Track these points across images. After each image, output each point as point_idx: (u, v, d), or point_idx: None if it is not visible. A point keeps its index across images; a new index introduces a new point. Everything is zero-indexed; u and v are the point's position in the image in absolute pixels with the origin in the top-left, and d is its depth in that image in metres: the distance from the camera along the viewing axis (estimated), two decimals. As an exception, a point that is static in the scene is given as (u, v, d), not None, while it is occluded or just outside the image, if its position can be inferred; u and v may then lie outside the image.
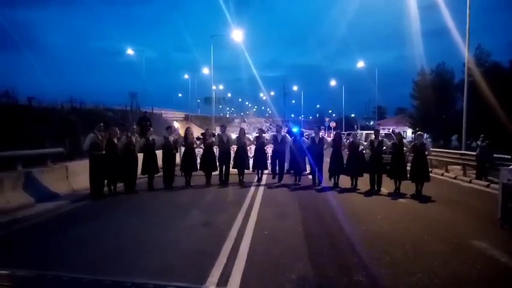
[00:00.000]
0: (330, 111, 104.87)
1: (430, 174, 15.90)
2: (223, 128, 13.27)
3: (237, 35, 34.09)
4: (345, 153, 12.14)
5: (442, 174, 15.61)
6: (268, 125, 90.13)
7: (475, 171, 14.30)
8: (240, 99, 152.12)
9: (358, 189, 11.28)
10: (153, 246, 5.85)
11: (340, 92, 64.31)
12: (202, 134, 13.55)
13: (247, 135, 13.67)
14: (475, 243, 6.04)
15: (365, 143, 12.57)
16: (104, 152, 9.86)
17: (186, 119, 64.39)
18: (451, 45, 22.02)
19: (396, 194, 10.61)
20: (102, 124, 10.26)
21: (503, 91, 24.13)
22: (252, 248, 5.63)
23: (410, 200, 9.82)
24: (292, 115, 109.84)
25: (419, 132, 12.60)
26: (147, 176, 11.20)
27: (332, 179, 11.87)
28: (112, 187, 10.34)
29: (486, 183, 12.68)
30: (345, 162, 11.84)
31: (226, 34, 37.97)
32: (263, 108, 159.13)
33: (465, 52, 18.10)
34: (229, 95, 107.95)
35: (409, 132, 47.23)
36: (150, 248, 5.74)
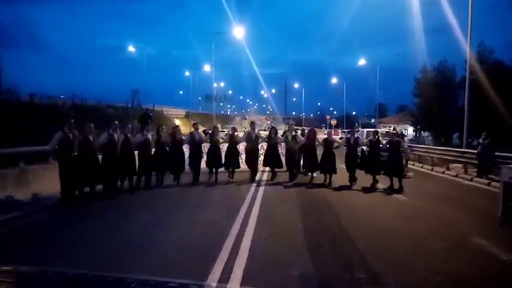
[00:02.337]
0: (331, 108, 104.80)
1: (431, 172, 16.10)
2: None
3: (238, 32, 34.14)
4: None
5: (443, 172, 15.62)
6: (269, 122, 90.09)
7: (476, 170, 14.30)
8: (241, 97, 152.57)
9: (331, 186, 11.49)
10: (154, 243, 5.88)
11: (342, 90, 64.35)
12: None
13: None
14: (476, 241, 6.06)
15: (340, 140, 12.99)
16: (75, 152, 8.73)
17: (187, 116, 64.44)
18: (453, 42, 22.00)
19: (392, 190, 10.76)
20: (72, 120, 9.01)
21: (506, 89, 24.06)
22: (254, 244, 5.66)
23: (410, 198, 9.83)
24: (293, 112, 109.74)
25: (393, 131, 13.37)
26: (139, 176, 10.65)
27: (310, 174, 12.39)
28: (88, 189, 9.28)
29: (487, 181, 12.68)
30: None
31: (227, 31, 38.08)
32: (264, 105, 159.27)
33: (467, 49, 18.07)
34: (230, 92, 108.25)
35: (410, 130, 47.18)
36: (151, 246, 5.76)
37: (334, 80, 68.35)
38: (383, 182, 11.42)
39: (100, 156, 9.54)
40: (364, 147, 12.15)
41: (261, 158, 13.22)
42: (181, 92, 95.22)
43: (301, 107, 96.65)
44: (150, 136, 10.79)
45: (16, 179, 8.83)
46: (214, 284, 3.94)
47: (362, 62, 46.93)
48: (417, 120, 41.11)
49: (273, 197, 9.82)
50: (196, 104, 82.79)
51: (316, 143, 12.32)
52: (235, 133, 12.92)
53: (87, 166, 8.88)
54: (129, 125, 11.01)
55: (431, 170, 16.67)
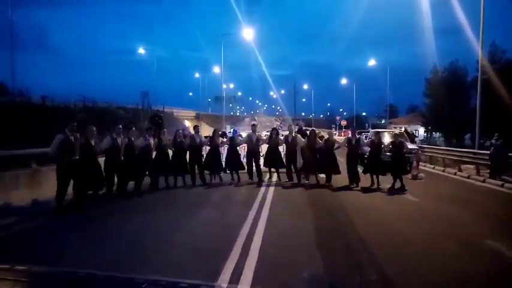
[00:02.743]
0: (341, 109, 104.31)
1: (443, 173, 15.92)
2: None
3: (248, 33, 34.19)
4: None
5: (455, 174, 15.44)
6: (278, 123, 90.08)
7: (488, 171, 14.11)
8: (250, 98, 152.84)
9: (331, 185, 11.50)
10: (165, 244, 5.90)
11: (351, 90, 63.99)
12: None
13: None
14: (488, 243, 5.97)
15: (341, 141, 12.88)
16: (77, 156, 8.30)
17: (197, 117, 64.72)
18: (464, 43, 21.78)
19: (394, 191, 10.75)
20: (75, 124, 8.58)
21: (518, 89, 23.71)
22: (264, 245, 5.65)
23: (421, 199, 9.73)
24: (303, 113, 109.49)
25: (396, 133, 13.49)
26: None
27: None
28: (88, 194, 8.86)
29: (500, 182, 12.50)
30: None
31: (236, 33, 38.14)
32: (273, 106, 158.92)
33: (479, 49, 17.86)
34: (239, 93, 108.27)
35: (421, 131, 46.79)
36: (162, 246, 5.79)
37: (343, 81, 68.11)
38: (383, 183, 11.32)
39: (102, 160, 9.33)
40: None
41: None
42: (190, 94, 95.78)
43: (311, 107, 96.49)
44: (152, 141, 10.55)
45: (28, 180, 8.93)
46: (224, 285, 3.94)
47: (372, 62, 46.61)
48: (428, 121, 40.78)
49: (282, 198, 9.80)
50: (206, 105, 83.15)
51: (317, 144, 12.22)
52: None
53: (88, 170, 8.53)
54: (133, 128, 10.46)
55: (443, 171, 16.49)
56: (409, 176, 13.77)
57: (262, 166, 12.62)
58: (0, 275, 2.03)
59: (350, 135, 12.24)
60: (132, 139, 9.85)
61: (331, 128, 64.07)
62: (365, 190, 10.94)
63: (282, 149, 12.88)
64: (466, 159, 15.89)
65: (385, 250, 5.57)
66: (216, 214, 7.98)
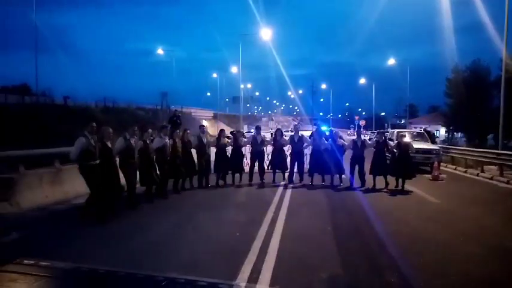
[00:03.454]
0: (360, 109, 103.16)
1: (465, 175, 15.59)
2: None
3: (266, 33, 34.09)
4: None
5: (478, 175, 15.08)
6: (296, 123, 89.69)
7: (512, 172, 13.74)
8: (267, 98, 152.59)
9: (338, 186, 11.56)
10: (183, 243, 5.95)
11: (370, 90, 63.19)
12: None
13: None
14: (513, 246, 5.81)
15: (347, 143, 12.52)
16: (97, 161, 7.52)
17: (215, 117, 65.06)
18: (487, 41, 21.25)
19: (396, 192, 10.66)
20: (94, 124, 7.72)
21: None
22: (282, 246, 5.64)
23: (442, 200, 9.54)
24: (321, 113, 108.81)
25: (402, 133, 13.09)
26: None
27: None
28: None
29: (525, 184, 12.16)
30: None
31: (254, 33, 38.12)
32: (291, 106, 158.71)
33: (502, 47, 17.40)
34: (257, 93, 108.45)
35: (442, 131, 45.91)
36: (180, 246, 5.84)
37: (362, 81, 67.31)
38: (380, 183, 11.28)
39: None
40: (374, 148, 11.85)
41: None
42: (208, 94, 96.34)
43: (329, 107, 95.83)
44: (167, 140, 9.88)
45: (52, 178, 9.13)
46: (243, 284, 3.94)
47: (392, 61, 45.93)
48: (449, 121, 39.94)
49: (300, 198, 9.75)
50: (223, 105, 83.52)
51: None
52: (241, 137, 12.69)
53: (108, 176, 7.75)
54: (150, 130, 9.67)
55: (465, 172, 16.13)
56: (430, 177, 13.55)
57: (266, 168, 12.49)
58: (24, 270, 2.08)
59: (356, 138, 12.09)
60: (148, 141, 9.17)
61: (349, 128, 63.41)
62: (384, 191, 10.80)
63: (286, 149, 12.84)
64: (489, 160, 15.50)
65: (405, 252, 5.48)
66: (234, 215, 8.00)
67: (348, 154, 12.04)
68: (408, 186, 11.13)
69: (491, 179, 13.99)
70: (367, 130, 60.57)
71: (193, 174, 11.08)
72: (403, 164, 11.12)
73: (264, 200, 9.43)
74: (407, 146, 11.49)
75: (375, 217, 7.66)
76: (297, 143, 12.13)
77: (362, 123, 58.68)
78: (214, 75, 73.31)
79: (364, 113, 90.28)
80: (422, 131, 21.21)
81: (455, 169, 17.22)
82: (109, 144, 7.99)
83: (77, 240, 6.13)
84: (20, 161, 8.69)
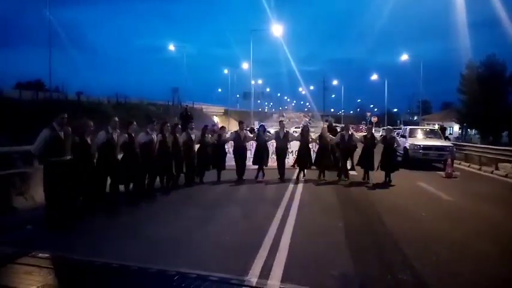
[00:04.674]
0: (372, 105, 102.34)
1: (479, 172, 15.37)
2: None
3: (277, 29, 33.98)
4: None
5: (492, 172, 14.86)
6: (307, 119, 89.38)
7: (528, 169, 13.49)
8: (278, 94, 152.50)
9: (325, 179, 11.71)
10: (194, 239, 5.97)
11: (382, 86, 62.55)
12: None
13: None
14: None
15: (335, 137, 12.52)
16: (67, 157, 6.58)
17: (226, 113, 65.13)
18: (503, 36, 20.86)
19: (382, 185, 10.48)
20: (65, 115, 6.64)
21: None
22: (293, 242, 5.63)
23: (456, 198, 9.43)
24: (332, 110, 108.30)
25: (388, 127, 13.50)
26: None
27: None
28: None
29: (540, 182, 11.94)
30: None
31: (265, 28, 38.06)
32: (302, 102, 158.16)
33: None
34: (267, 89, 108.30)
35: (456, 128, 45.34)
36: (191, 241, 5.87)
37: (374, 77, 66.70)
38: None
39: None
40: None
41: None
42: (219, 90, 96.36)
43: (341, 104, 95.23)
44: (155, 136, 9.09)
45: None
46: (254, 280, 3.92)
47: (404, 57, 45.39)
48: (463, 118, 39.41)
49: (311, 194, 9.72)
50: (234, 101, 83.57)
51: (310, 139, 12.28)
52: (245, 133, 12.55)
53: (83, 174, 6.99)
54: (134, 122, 8.72)
55: (479, 169, 15.91)
56: (443, 174, 13.40)
57: (291, 165, 12.47)
58: (38, 263, 2.10)
59: (343, 132, 12.20)
60: (133, 135, 8.39)
61: (361, 125, 62.89)
62: (397, 188, 10.71)
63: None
64: (503, 157, 15.24)
65: (418, 250, 5.43)
66: (245, 211, 8.01)
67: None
68: (421, 183, 11.02)
69: (505, 176, 13.78)
70: (379, 127, 60.05)
71: (180, 172, 10.25)
72: (388, 158, 11.30)
73: (275, 196, 9.42)
74: (392, 140, 11.64)
75: (387, 214, 7.60)
76: (282, 139, 11.98)
77: (374, 119, 58.21)
78: (225, 71, 73.37)
79: (376, 110, 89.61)
80: (436, 128, 20.97)
81: (468, 166, 17.00)
82: (89, 140, 7.22)
83: (90, 234, 6.19)
84: (34, 156, 8.60)
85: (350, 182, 11.54)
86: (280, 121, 14.24)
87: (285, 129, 12.42)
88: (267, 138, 12.27)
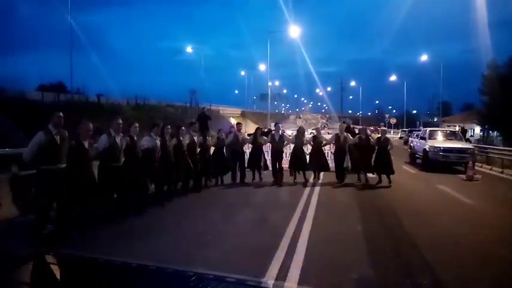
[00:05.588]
0: (390, 107, 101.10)
1: (501, 175, 15.00)
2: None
3: (294, 31, 33.91)
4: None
5: (515, 175, 14.49)
6: (324, 121, 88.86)
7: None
8: (295, 95, 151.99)
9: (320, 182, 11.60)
10: (211, 240, 5.99)
11: (401, 87, 61.90)
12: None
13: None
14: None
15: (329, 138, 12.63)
16: (62, 164, 5.82)
17: (243, 115, 65.30)
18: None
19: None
20: (61, 114, 5.93)
21: None
22: (310, 245, 5.60)
23: (477, 202, 9.22)
24: (350, 111, 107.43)
25: (383, 128, 13.41)
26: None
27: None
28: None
29: None
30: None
31: (282, 30, 38.00)
32: (319, 104, 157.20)
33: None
34: (284, 91, 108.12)
35: (477, 130, 44.37)
36: (208, 242, 5.88)
37: (393, 78, 65.97)
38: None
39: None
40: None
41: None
42: (236, 92, 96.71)
43: (358, 105, 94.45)
44: (158, 141, 8.31)
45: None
46: (271, 282, 3.93)
47: (424, 58, 44.75)
48: (484, 120, 38.50)
49: (328, 197, 9.65)
50: (251, 103, 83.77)
51: (305, 141, 12.16)
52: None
53: (79, 182, 6.18)
54: (136, 124, 7.99)
55: (501, 172, 15.53)
56: (464, 177, 13.12)
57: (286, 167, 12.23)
58: (59, 261, 2.15)
59: (339, 132, 12.12)
60: (135, 138, 7.71)
61: (379, 126, 62.16)
62: (416, 191, 10.54)
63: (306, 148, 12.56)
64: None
65: (438, 253, 5.32)
66: (262, 213, 7.99)
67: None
68: (441, 186, 10.81)
69: (529, 180, 13.41)
70: (398, 128, 59.17)
71: (190, 178, 9.74)
72: (383, 160, 11.23)
73: (291, 198, 9.38)
74: (387, 141, 11.51)
75: (406, 217, 7.48)
76: (278, 142, 11.83)
77: (393, 121, 57.51)
78: (242, 72, 73.63)
79: (394, 111, 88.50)
80: (456, 130, 20.56)
81: (490, 169, 16.61)
82: (86, 145, 6.35)
83: (108, 235, 6.26)
84: (25, 162, 7.31)
85: (367, 184, 11.40)
86: (275, 123, 13.94)
87: (280, 131, 12.41)
88: (285, 142, 12.07)
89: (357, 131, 14.20)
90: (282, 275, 4.43)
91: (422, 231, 6.50)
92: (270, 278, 4.27)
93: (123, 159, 7.23)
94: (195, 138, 10.13)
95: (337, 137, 11.86)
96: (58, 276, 2.00)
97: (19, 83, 25.03)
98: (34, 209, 5.93)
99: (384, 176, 11.28)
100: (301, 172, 11.68)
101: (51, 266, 2.08)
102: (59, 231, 5.81)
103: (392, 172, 11.19)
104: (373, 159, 11.49)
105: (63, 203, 5.85)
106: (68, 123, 6.13)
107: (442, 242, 5.91)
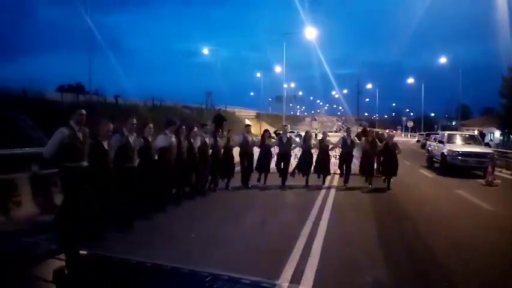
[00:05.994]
0: (407, 110, 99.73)
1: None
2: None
3: (310, 32, 33.76)
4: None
5: (536, 181, 14.13)
6: (340, 123, 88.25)
7: None
8: (311, 98, 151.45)
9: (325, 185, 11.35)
10: (225, 242, 5.99)
11: (419, 90, 61.03)
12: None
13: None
14: None
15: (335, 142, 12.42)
16: (84, 163, 5.61)
17: (258, 117, 65.36)
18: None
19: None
20: (83, 112, 5.70)
21: None
22: (325, 248, 5.56)
23: (497, 207, 9.01)
24: (366, 113, 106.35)
25: (390, 133, 13.43)
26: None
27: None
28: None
29: None
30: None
31: (298, 31, 37.86)
32: (335, 106, 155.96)
33: None
34: (300, 93, 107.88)
35: (497, 134, 43.44)
36: (223, 244, 5.89)
37: (410, 80, 65.14)
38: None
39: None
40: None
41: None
42: (252, 94, 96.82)
43: (375, 107, 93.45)
44: (174, 139, 8.03)
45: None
46: (286, 284, 3.92)
47: (443, 60, 44.02)
48: (504, 123, 37.67)
49: (343, 200, 9.57)
50: (266, 105, 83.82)
51: (312, 145, 11.92)
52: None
53: (99, 183, 5.89)
54: (150, 124, 7.64)
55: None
56: (484, 182, 12.86)
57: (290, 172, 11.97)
58: (77, 259, 2.18)
59: (346, 135, 12.07)
60: (149, 139, 7.45)
61: (396, 129, 61.43)
62: (434, 196, 10.37)
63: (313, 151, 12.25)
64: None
65: (456, 261, 5.23)
66: (277, 215, 7.96)
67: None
68: (460, 191, 10.62)
69: (551, 185, 13.07)
70: (415, 132, 58.36)
71: (200, 180, 9.55)
72: (389, 164, 11.14)
73: (306, 201, 9.33)
74: (395, 146, 11.40)
75: (423, 222, 7.37)
76: (285, 145, 11.66)
77: (410, 124, 56.76)
78: (258, 74, 73.66)
79: (411, 114, 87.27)
80: (475, 134, 20.19)
81: (511, 175, 16.24)
82: (105, 145, 6.09)
83: (123, 234, 6.28)
84: (46, 160, 7.20)
85: (380, 188, 11.24)
86: (283, 125, 14.00)
87: (287, 134, 12.31)
88: (292, 145, 11.98)
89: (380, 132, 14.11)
90: (297, 277, 4.40)
91: (439, 237, 6.39)
92: (284, 280, 4.26)
93: (137, 161, 7.01)
94: (207, 140, 9.85)
95: (344, 141, 11.75)
96: (75, 274, 2.04)
97: (39, 84, 25.52)
98: (60, 207, 5.86)
99: (381, 179, 11.31)
100: (305, 176, 11.54)
101: (69, 264, 2.11)
102: (78, 230, 5.55)
103: (395, 174, 11.18)
104: (377, 163, 11.52)
105: (84, 202, 5.63)
106: (87, 123, 5.96)
107: (459, 248, 5.80)
